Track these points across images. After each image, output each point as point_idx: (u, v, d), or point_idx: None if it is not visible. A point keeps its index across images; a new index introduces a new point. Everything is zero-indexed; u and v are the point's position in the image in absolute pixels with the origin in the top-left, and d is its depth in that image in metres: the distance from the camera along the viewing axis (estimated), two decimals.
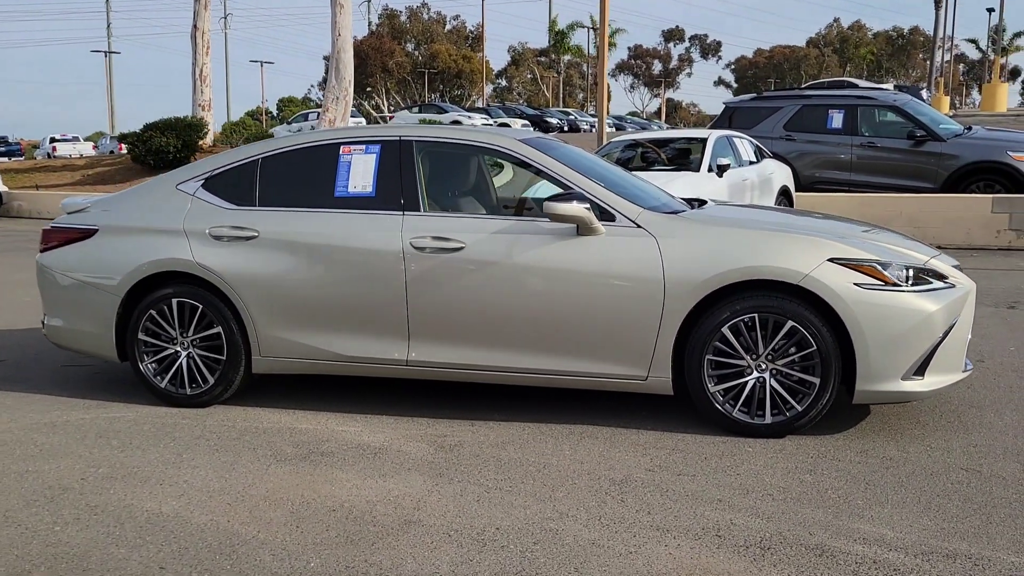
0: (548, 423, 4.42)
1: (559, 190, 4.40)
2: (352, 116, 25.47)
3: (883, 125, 12.84)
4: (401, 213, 4.50)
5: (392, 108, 60.84)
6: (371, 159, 4.63)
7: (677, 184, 7.73)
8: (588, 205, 4.19)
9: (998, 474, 3.64)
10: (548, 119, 39.31)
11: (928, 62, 52.93)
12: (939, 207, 11.49)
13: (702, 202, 5.11)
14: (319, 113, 29.93)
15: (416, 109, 39.74)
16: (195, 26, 25.79)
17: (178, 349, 4.76)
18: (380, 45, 62.70)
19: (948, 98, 40.43)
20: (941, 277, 4.13)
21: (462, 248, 4.35)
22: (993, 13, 48.41)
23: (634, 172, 6.48)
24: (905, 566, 2.87)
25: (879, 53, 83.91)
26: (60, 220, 5.12)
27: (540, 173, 4.50)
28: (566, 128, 38.77)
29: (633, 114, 70.65)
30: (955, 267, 4.34)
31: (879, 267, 4.00)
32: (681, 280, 4.10)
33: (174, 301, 4.71)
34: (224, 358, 4.69)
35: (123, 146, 31.37)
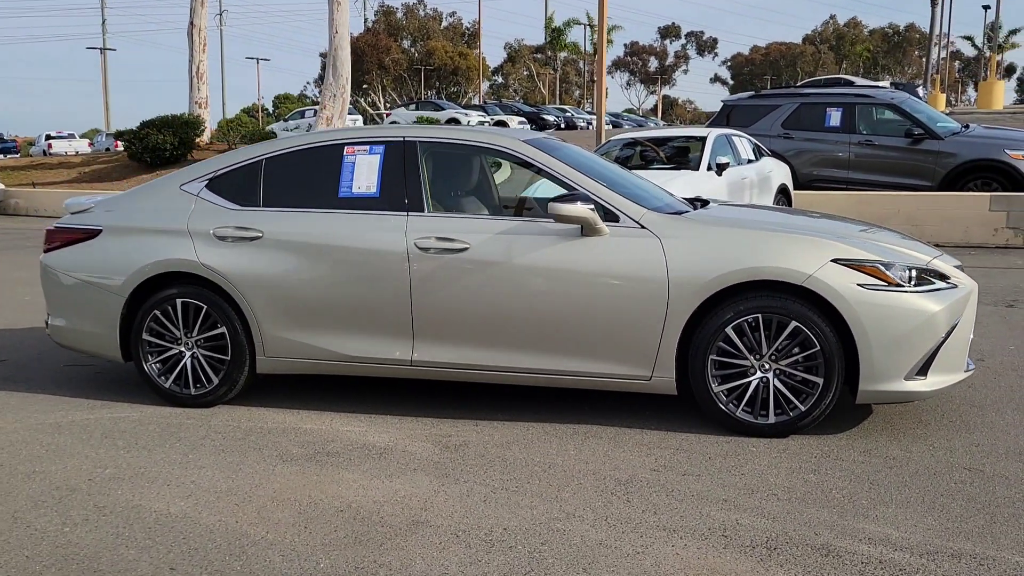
0: (552, 423, 4.44)
1: (560, 190, 4.43)
2: (348, 114, 25.43)
3: (881, 123, 12.88)
4: (405, 214, 4.51)
5: (388, 105, 60.82)
6: (375, 160, 4.64)
7: (676, 183, 7.75)
8: (592, 206, 4.21)
9: (1001, 473, 3.66)
10: (545, 116, 39.26)
11: (924, 59, 53.00)
12: (937, 205, 11.53)
13: (704, 202, 5.13)
14: (316, 110, 29.91)
15: (413, 106, 39.68)
16: (192, 23, 25.75)
17: (182, 349, 4.77)
18: (376, 42, 62.63)
19: (944, 95, 40.50)
20: (943, 277, 4.16)
21: (466, 249, 4.37)
22: (989, 10, 48.49)
23: (633, 171, 6.50)
24: (911, 566, 2.90)
25: (875, 50, 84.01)
26: (64, 220, 5.12)
27: (544, 174, 4.52)
28: (563, 125, 38.74)
29: (629, 111, 70.70)
30: (957, 267, 4.36)
31: (882, 268, 4.02)
32: (685, 281, 4.12)
33: (178, 301, 4.72)
34: (228, 358, 4.70)
35: (119, 143, 31.32)
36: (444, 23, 77.97)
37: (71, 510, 3.47)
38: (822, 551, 3.02)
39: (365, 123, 44.93)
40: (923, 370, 4.02)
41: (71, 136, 47.67)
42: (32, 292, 8.64)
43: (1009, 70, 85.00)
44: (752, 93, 15.17)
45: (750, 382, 4.15)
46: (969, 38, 69.69)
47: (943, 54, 52.65)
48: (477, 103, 49.20)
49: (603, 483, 3.66)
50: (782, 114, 13.37)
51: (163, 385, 4.80)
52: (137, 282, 4.76)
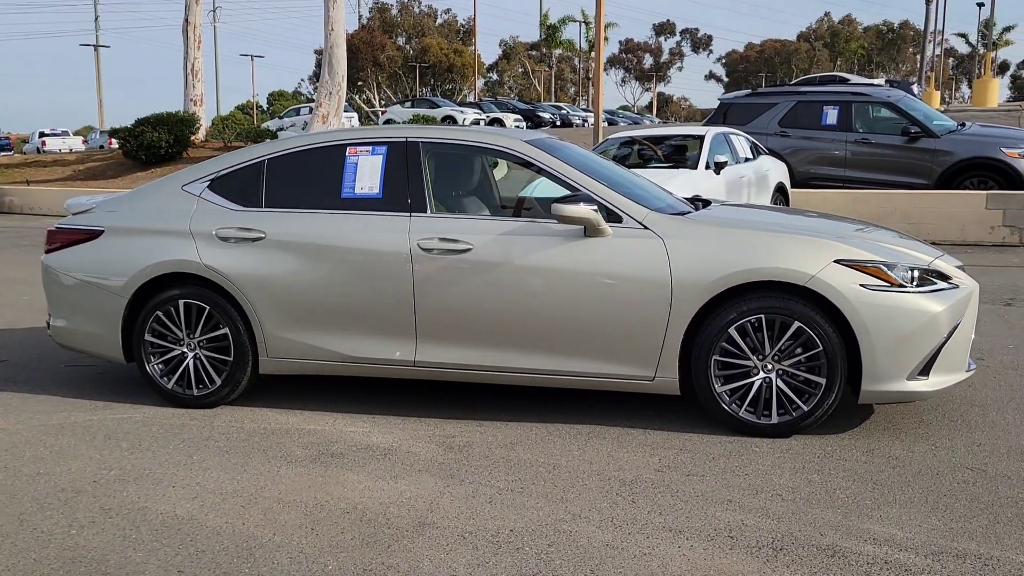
0: (555, 423, 4.45)
1: (561, 189, 4.44)
2: (344, 111, 25.38)
3: (877, 121, 12.91)
4: (408, 214, 4.51)
5: (383, 103, 60.71)
6: (378, 160, 4.64)
7: (675, 182, 7.76)
8: (596, 207, 4.22)
9: (1003, 473, 3.68)
10: (540, 114, 39.19)
11: (918, 56, 53.10)
12: (933, 203, 11.56)
13: (706, 202, 5.14)
14: (311, 108, 29.83)
15: (408, 104, 39.59)
16: (186, 20, 25.67)
17: (185, 350, 4.77)
18: (371, 39, 62.52)
19: (939, 93, 40.59)
20: (945, 278, 4.18)
21: (469, 249, 4.37)
22: (983, 7, 48.59)
23: (632, 169, 6.51)
24: (916, 566, 2.91)
25: (869, 48, 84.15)
26: (65, 221, 5.11)
27: (546, 174, 4.52)
28: (558, 123, 38.69)
29: (624, 108, 70.61)
30: (958, 267, 4.38)
31: (885, 268, 4.04)
32: (688, 281, 4.14)
33: (181, 302, 4.72)
34: (231, 359, 4.70)
35: (113, 141, 31.22)
36: (439, 20, 77.88)
37: (77, 512, 3.47)
38: (828, 552, 3.03)
39: (360, 120, 44.89)
40: (925, 370, 4.04)
41: (65, 133, 47.51)
42: (31, 292, 8.63)
43: (1003, 67, 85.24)
44: (749, 91, 15.20)
45: (753, 382, 4.16)
46: (963, 35, 69.78)
47: (937, 51, 52.74)
48: (472, 100, 49.14)
49: (608, 484, 3.67)
50: (779, 112, 13.39)
51: (165, 386, 4.80)
52: (139, 283, 4.75)
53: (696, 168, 9.34)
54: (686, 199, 5.18)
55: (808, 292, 4.05)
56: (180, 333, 4.76)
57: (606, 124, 31.63)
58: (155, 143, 23.18)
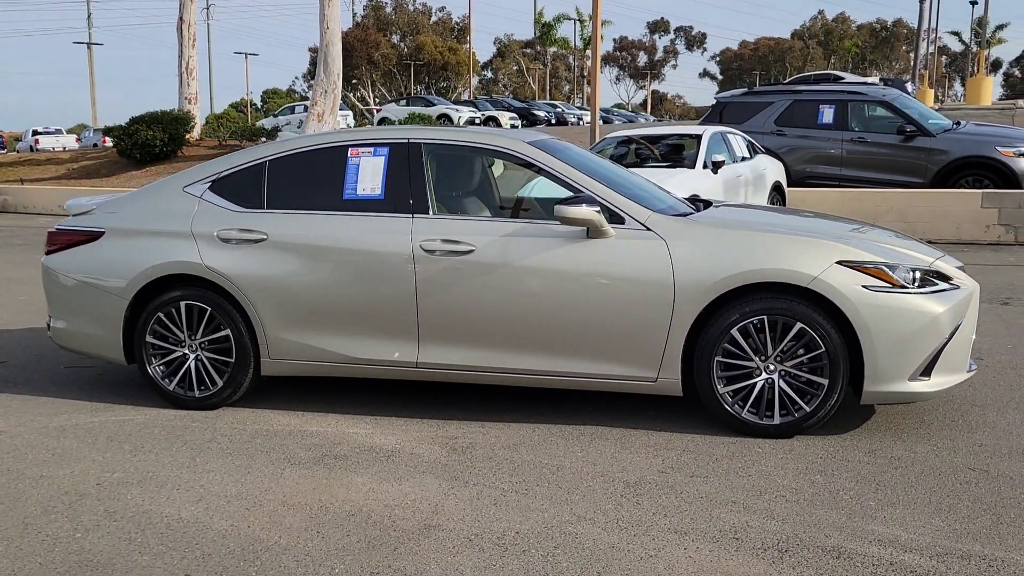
0: (558, 424, 4.46)
1: (561, 189, 4.45)
2: (339, 109, 25.33)
3: (873, 120, 12.95)
4: (410, 216, 4.51)
5: (377, 100, 60.67)
6: (379, 161, 4.64)
7: (673, 181, 7.77)
8: (598, 208, 4.22)
9: (1005, 474, 3.70)
10: (535, 112, 39.16)
11: (912, 54, 53.23)
12: (929, 202, 11.60)
13: (707, 203, 5.15)
14: (306, 106, 29.76)
15: (403, 102, 39.53)
16: (181, 18, 25.59)
17: (186, 352, 4.76)
18: (366, 37, 62.43)
19: (933, 91, 40.69)
20: (946, 278, 4.19)
21: (472, 251, 4.37)
22: (976, 6, 48.71)
23: (629, 169, 6.51)
24: (922, 568, 2.93)
25: (863, 46, 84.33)
26: (66, 222, 5.10)
27: (548, 175, 4.52)
28: (553, 121, 38.67)
29: (619, 106, 70.65)
30: (959, 268, 4.40)
31: (886, 269, 4.05)
32: (691, 283, 4.14)
33: (182, 304, 4.71)
34: (233, 360, 4.70)
35: (107, 139, 31.14)
36: (433, 18, 77.80)
37: (82, 516, 3.47)
38: (833, 553, 3.05)
39: (355, 118, 44.79)
40: (927, 371, 4.06)
41: (58, 132, 47.33)
42: (28, 292, 8.61)
43: (995, 65, 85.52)
44: (745, 90, 15.22)
45: (755, 383, 4.17)
46: (956, 33, 70.11)
47: (931, 49, 52.86)
48: (467, 98, 49.09)
49: (612, 485, 3.68)
50: (775, 111, 13.42)
51: (167, 388, 4.79)
52: (140, 284, 4.74)
53: (694, 167, 9.35)
54: (687, 199, 5.19)
55: (810, 293, 4.06)
56: (181, 335, 4.75)
57: (601, 123, 31.61)
58: (150, 141, 23.11)
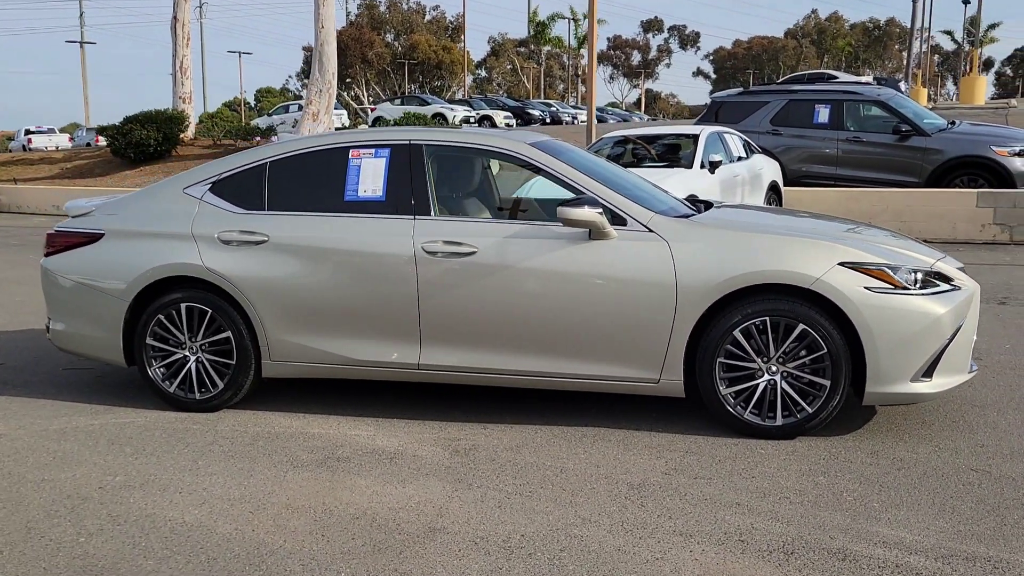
0: (560, 426, 4.46)
1: (560, 189, 4.45)
2: (334, 108, 25.27)
3: (868, 120, 12.99)
4: (412, 217, 4.51)
5: (371, 99, 60.57)
6: (381, 163, 4.63)
7: (671, 181, 7.78)
8: (600, 210, 4.22)
9: (1007, 475, 3.71)
10: (530, 111, 39.13)
11: (904, 53, 53.37)
12: (925, 201, 11.64)
13: (707, 203, 5.16)
14: (300, 105, 29.69)
15: (398, 101, 39.47)
16: (175, 17, 25.49)
17: (187, 354, 4.75)
18: (359, 35, 62.30)
19: (926, 90, 40.79)
20: (947, 279, 4.20)
21: (474, 252, 4.37)
22: (969, 5, 48.86)
23: (627, 169, 6.51)
24: (928, 570, 2.93)
25: (856, 45, 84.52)
26: (65, 224, 5.08)
27: (550, 177, 4.52)
28: (548, 120, 38.67)
29: (613, 105, 70.69)
30: (959, 269, 4.41)
31: (889, 271, 4.06)
32: (693, 284, 4.15)
33: (183, 306, 4.69)
34: (234, 362, 4.68)
35: (100, 138, 31.00)
36: (427, 16, 77.69)
37: (85, 520, 3.45)
38: (839, 555, 3.05)
39: (349, 117, 44.69)
40: (929, 372, 4.07)
41: (51, 131, 47.11)
42: (23, 292, 8.57)
43: (987, 64, 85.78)
44: (741, 89, 15.25)
45: (758, 384, 4.18)
46: (949, 32, 70.19)
47: (924, 48, 53.00)
48: (462, 97, 49.05)
49: (616, 487, 3.68)
50: (771, 111, 13.45)
51: (167, 390, 4.78)
52: (141, 286, 4.73)
53: (691, 167, 9.36)
54: (686, 200, 5.20)
55: (813, 295, 4.07)
56: (182, 337, 4.74)
57: (596, 121, 31.59)
58: (144, 141, 23.02)
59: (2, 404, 4.99)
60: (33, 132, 45.70)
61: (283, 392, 5.12)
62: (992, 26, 69.41)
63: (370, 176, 4.62)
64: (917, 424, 4.37)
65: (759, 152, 11.56)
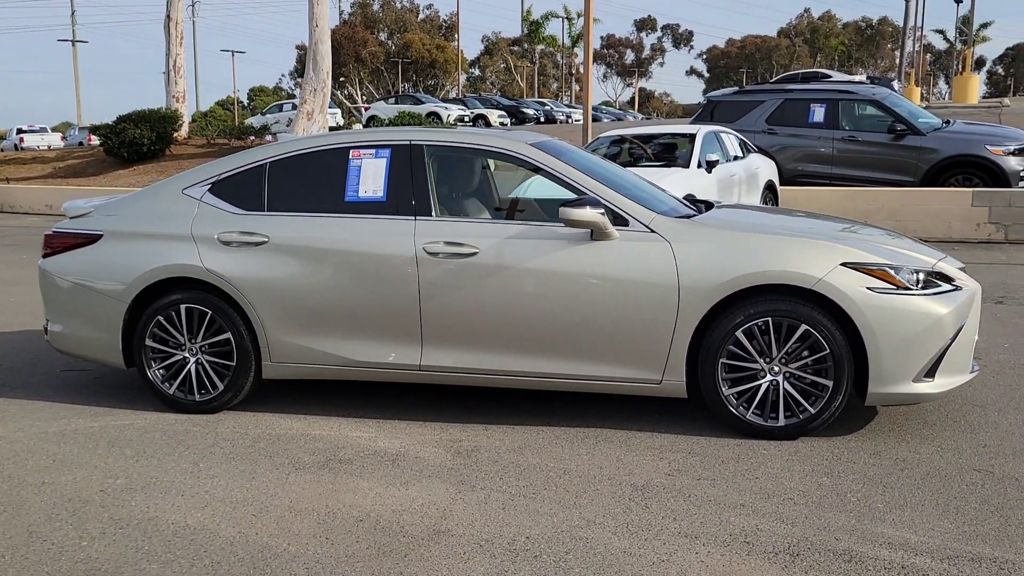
0: (561, 426, 4.45)
1: (560, 189, 4.44)
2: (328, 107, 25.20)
3: (863, 119, 13.02)
4: (413, 218, 4.49)
5: (365, 98, 60.48)
6: (381, 163, 4.61)
7: (668, 180, 7.78)
8: (602, 210, 4.21)
9: (1010, 475, 3.72)
10: (524, 110, 39.10)
11: (897, 52, 53.50)
12: (920, 200, 11.67)
13: (707, 203, 5.15)
14: (294, 104, 29.61)
15: (392, 100, 39.40)
16: (168, 16, 25.40)
17: (186, 355, 4.73)
18: (353, 34, 62.20)
19: (919, 89, 40.91)
20: (949, 280, 4.21)
21: (475, 253, 4.36)
22: (961, 4, 48.98)
23: (624, 169, 6.51)
24: (934, 572, 2.93)
25: (849, 44, 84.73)
26: (63, 225, 5.05)
27: (552, 177, 4.50)
28: (542, 119, 38.65)
29: (606, 104, 70.75)
30: (960, 269, 4.42)
31: (891, 271, 4.07)
32: (696, 285, 4.14)
33: (182, 307, 4.67)
34: (234, 364, 4.66)
35: (92, 137, 30.85)
36: (421, 15, 77.60)
37: (87, 523, 3.43)
38: (845, 557, 3.05)
39: (343, 116, 44.59)
40: (931, 372, 4.07)
41: (43, 130, 46.91)
42: (19, 293, 8.53)
43: (979, 63, 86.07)
44: (736, 89, 15.27)
45: (760, 385, 4.18)
46: (941, 31, 70.47)
47: (916, 47, 53.16)
48: (455, 96, 49.00)
49: (620, 488, 3.67)
50: (766, 110, 13.47)
51: (167, 391, 4.75)
52: (140, 288, 4.70)
53: (688, 167, 9.37)
54: (686, 200, 5.19)
55: (815, 295, 4.07)
56: (181, 338, 4.71)
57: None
58: (137, 140, 22.93)
59: (0, 406, 4.96)
60: (25, 131, 45.51)
61: (283, 393, 5.10)
62: (984, 25, 69.72)
63: (371, 176, 4.61)
64: (919, 424, 4.38)
65: (755, 151, 11.57)
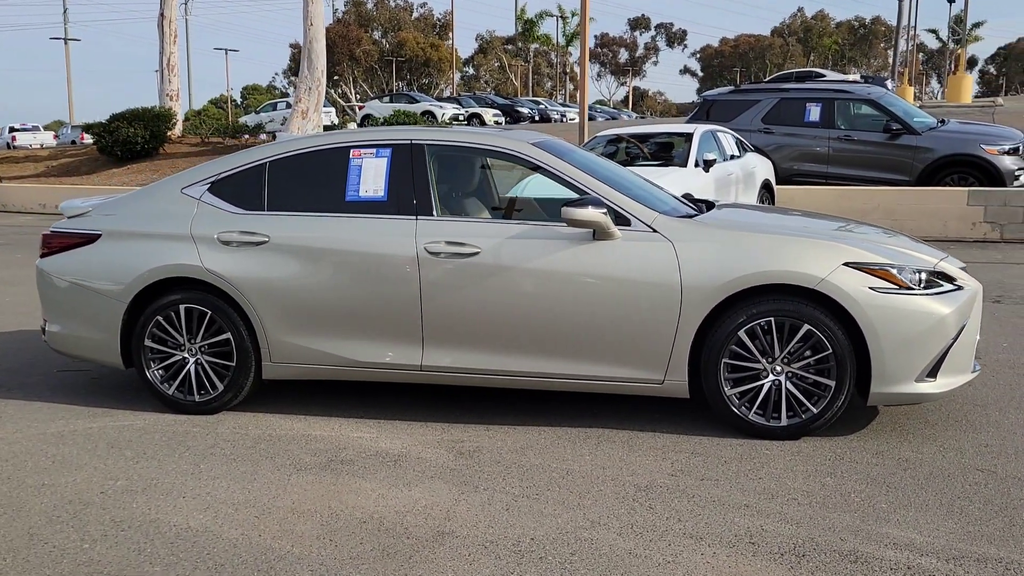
0: (563, 427, 4.44)
1: (562, 188, 4.42)
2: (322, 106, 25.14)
3: (859, 118, 13.04)
4: (414, 217, 4.47)
5: (359, 97, 60.35)
6: (382, 163, 4.59)
7: (666, 179, 7.76)
8: (605, 210, 4.20)
9: (1013, 475, 3.72)
10: (519, 109, 39.05)
11: (890, 51, 53.63)
12: (916, 200, 11.69)
13: (709, 203, 5.15)
14: (289, 102, 29.54)
15: (387, 99, 39.32)
16: (162, 14, 25.29)
17: (186, 356, 4.70)
18: (347, 33, 62.10)
19: (913, 88, 41.00)
20: (951, 279, 4.21)
21: (477, 253, 4.34)
22: (954, 3, 49.15)
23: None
24: (940, 572, 2.93)
25: (842, 43, 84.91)
26: (61, 224, 5.01)
27: (553, 177, 4.49)
28: (537, 118, 38.63)
29: (600, 102, 70.78)
30: (961, 268, 4.42)
31: (893, 271, 4.06)
32: (698, 285, 4.13)
33: (182, 307, 4.65)
34: (234, 364, 4.64)
35: (85, 135, 30.73)
36: (415, 14, 77.49)
37: (88, 525, 3.40)
38: (850, 557, 3.04)
39: (337, 115, 44.49)
40: (933, 372, 4.07)
41: (36, 128, 46.74)
42: (14, 293, 8.48)
43: (971, 62, 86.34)
44: (732, 88, 15.28)
45: (762, 385, 4.17)
46: (934, 31, 70.74)
47: (909, 47, 53.28)
48: (450, 95, 48.93)
49: (623, 489, 3.66)
50: (762, 109, 13.47)
51: (166, 392, 4.73)
52: (139, 288, 4.67)
53: (685, 166, 9.36)
54: (686, 199, 5.18)
55: (817, 295, 4.06)
56: (181, 338, 4.69)
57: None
58: (131, 139, 22.85)
59: None
60: (17, 129, 45.35)
61: (283, 394, 5.07)
62: (976, 24, 69.96)
63: (371, 176, 4.59)
64: (920, 424, 4.38)
65: (752, 150, 11.58)
